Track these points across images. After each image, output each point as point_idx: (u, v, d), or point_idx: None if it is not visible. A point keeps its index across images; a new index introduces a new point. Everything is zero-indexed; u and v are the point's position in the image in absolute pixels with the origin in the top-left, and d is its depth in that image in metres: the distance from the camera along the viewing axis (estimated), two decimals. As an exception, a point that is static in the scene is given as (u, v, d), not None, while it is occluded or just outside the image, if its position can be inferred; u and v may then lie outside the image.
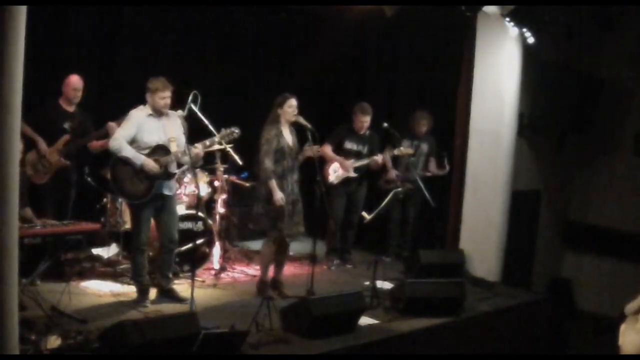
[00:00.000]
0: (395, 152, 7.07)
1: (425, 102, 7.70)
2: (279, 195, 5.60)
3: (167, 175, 5.39)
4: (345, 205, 7.09)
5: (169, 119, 5.42)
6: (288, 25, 8.64)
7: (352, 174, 7.02)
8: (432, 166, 7.47)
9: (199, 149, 5.41)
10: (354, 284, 6.35)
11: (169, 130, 5.38)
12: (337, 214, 6.98)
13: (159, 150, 5.33)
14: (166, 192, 5.43)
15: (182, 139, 5.36)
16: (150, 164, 5.25)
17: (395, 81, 8.59)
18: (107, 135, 5.87)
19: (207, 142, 5.51)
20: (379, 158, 6.97)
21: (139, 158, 5.23)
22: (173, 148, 5.36)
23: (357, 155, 7.05)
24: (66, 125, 5.99)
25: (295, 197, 5.80)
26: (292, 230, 5.78)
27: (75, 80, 6.02)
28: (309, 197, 6.00)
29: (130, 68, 7.32)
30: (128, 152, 5.22)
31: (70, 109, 6.07)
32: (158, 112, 5.35)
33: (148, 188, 5.29)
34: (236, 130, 5.57)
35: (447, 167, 7.30)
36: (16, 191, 3.56)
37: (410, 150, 7.17)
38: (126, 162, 5.26)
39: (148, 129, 5.30)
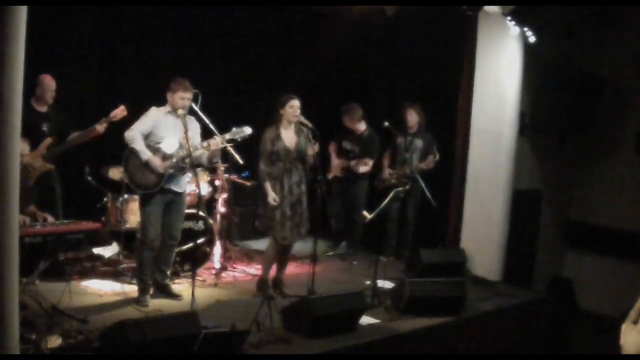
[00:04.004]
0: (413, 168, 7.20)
1: (426, 101, 7.68)
2: (271, 197, 5.64)
3: (180, 170, 5.44)
4: (344, 205, 7.09)
5: (186, 117, 5.46)
6: (289, 25, 8.63)
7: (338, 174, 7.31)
8: (425, 161, 7.29)
9: (214, 142, 5.43)
10: (355, 283, 6.35)
11: (185, 128, 5.41)
12: (335, 213, 7.00)
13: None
14: (176, 188, 5.49)
15: (197, 139, 5.48)
16: (156, 162, 5.33)
17: (396, 81, 8.58)
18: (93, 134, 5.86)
19: (219, 139, 5.50)
20: (368, 166, 7.23)
21: (146, 153, 5.32)
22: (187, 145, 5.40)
23: (352, 154, 7.21)
24: (44, 128, 5.87)
25: (295, 199, 5.78)
26: (288, 233, 5.75)
27: (49, 80, 5.89)
28: (308, 197, 5.99)
29: (131, 67, 7.32)
30: (138, 144, 5.32)
31: (44, 109, 5.93)
32: (176, 110, 5.43)
33: (158, 180, 5.36)
34: (248, 129, 5.56)
35: (437, 156, 7.20)
36: (16, 191, 3.56)
37: (424, 167, 7.18)
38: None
39: (165, 125, 5.41)
